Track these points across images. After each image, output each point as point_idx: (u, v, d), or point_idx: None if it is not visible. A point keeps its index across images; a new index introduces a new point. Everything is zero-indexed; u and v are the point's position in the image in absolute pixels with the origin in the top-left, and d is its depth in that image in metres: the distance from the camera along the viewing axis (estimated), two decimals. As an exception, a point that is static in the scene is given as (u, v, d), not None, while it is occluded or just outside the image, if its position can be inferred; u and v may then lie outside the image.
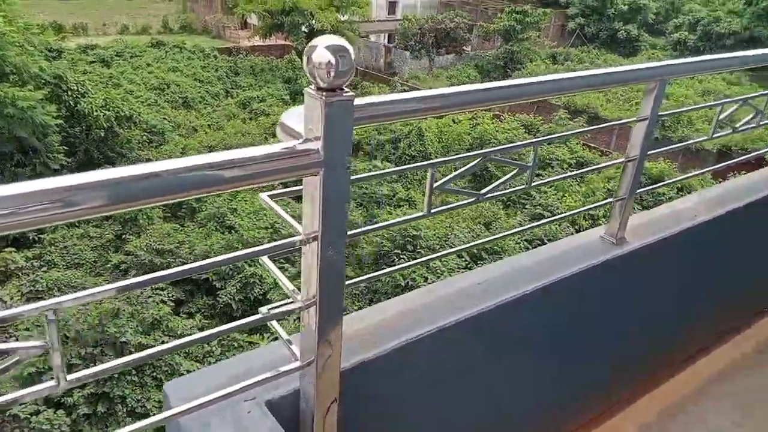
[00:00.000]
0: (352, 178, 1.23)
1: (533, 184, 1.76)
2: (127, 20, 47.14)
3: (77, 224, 17.61)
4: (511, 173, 1.71)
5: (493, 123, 25.66)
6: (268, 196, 1.36)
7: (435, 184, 1.51)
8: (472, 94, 1.46)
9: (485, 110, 26.36)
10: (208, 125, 25.79)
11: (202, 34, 46.51)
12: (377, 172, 1.58)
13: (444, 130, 24.69)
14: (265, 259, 1.35)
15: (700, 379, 2.83)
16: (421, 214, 1.54)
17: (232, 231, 15.74)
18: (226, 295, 13.65)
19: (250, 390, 1.30)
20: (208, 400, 1.22)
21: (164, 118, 24.48)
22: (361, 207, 19.74)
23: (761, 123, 2.48)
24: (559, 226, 17.47)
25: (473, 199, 1.66)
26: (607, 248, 2.20)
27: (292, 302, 1.31)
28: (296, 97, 28.36)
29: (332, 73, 1.09)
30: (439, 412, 1.92)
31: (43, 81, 17.53)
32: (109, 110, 18.86)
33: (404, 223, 1.71)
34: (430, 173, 1.51)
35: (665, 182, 2.95)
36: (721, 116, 2.31)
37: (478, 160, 1.61)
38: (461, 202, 1.73)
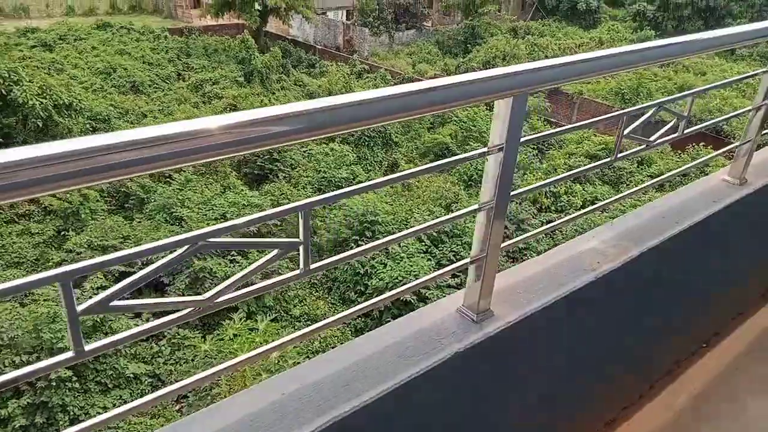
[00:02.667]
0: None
1: (686, 131, 2.06)
2: (73, 1, 44.79)
3: (17, 220, 16.62)
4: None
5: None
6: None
7: (625, 131, 1.82)
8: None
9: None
10: (159, 110, 24.66)
11: (153, 14, 44.56)
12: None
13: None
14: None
15: None
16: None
17: (182, 223, 15.01)
18: (174, 292, 12.99)
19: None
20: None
21: (111, 105, 23.29)
22: (320, 192, 19.14)
23: (685, 132, 2.14)
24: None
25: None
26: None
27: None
28: (251, 79, 27.34)
29: None
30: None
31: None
32: (45, 98, 17.71)
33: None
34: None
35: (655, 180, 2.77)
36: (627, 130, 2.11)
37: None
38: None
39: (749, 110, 2.37)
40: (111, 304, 1.08)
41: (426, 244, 15.33)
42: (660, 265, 2.22)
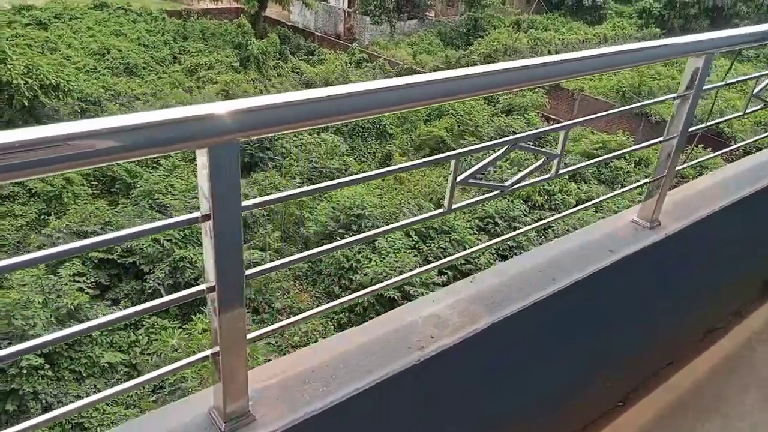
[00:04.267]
0: None
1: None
2: (72, -21, 44.15)
3: (0, 202, 16.36)
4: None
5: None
6: None
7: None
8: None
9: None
10: (152, 94, 24.30)
11: (153, -5, 44.03)
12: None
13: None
14: None
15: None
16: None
17: (165, 210, 14.74)
18: (154, 280, 12.75)
19: None
20: None
21: (102, 86, 22.94)
22: (310, 182, 18.85)
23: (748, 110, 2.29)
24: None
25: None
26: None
27: None
28: (246, 64, 26.95)
29: None
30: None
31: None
32: (31, 78, 17.37)
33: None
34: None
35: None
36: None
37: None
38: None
39: (659, 142, 2.01)
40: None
41: (414, 240, 15.08)
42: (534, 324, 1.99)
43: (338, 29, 37.33)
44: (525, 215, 16.94)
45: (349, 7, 38.49)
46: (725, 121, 2.42)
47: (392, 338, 1.52)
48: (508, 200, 17.30)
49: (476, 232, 15.99)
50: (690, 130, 1.96)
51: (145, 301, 13.46)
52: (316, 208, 16.71)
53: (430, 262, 14.76)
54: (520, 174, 1.57)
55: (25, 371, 10.52)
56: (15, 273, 11.73)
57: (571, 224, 14.93)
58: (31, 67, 17.61)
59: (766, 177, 2.45)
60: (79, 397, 10.93)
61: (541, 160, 1.60)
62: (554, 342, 1.96)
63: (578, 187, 18.68)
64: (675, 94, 1.83)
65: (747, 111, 2.23)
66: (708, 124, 2.29)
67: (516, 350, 1.82)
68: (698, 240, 2.27)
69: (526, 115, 23.40)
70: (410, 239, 15.07)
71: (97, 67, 25.32)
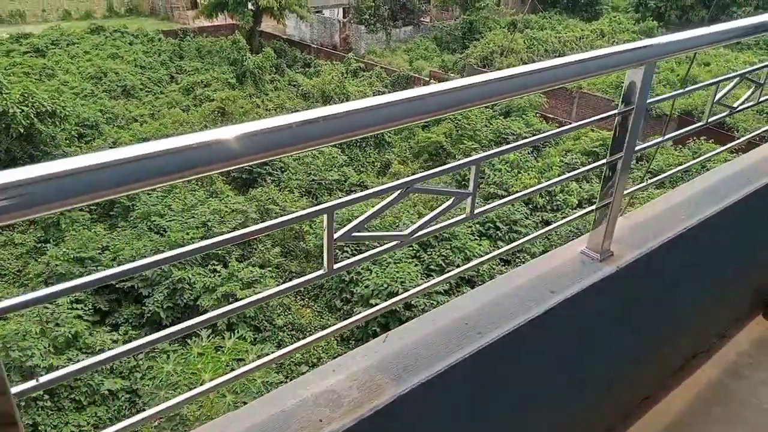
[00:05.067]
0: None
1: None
2: (69, 5, 44.63)
3: (0, 230, 16.36)
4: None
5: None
6: None
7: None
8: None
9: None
10: (150, 114, 24.35)
11: (150, 17, 44.35)
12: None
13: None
14: None
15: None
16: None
17: (163, 232, 14.66)
18: (153, 303, 12.64)
19: None
20: None
21: (99, 110, 22.99)
22: (309, 195, 18.75)
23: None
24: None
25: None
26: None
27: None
28: (243, 80, 26.95)
29: None
30: None
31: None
32: (27, 106, 17.41)
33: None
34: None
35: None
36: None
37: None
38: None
39: (600, 165, 1.80)
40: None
41: (414, 249, 14.88)
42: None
43: (334, 40, 37.35)
44: (526, 218, 16.71)
45: (344, 17, 38.55)
46: (685, 133, 2.16)
47: (270, 426, 1.27)
48: (510, 204, 17.06)
49: (477, 237, 15.77)
50: (637, 149, 1.76)
51: (148, 324, 13.16)
52: (314, 221, 16.57)
53: (432, 270, 14.56)
54: (422, 220, 1.35)
55: (23, 402, 10.42)
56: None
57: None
58: (26, 95, 17.65)
59: (732, 193, 2.23)
60: (80, 427, 10.80)
61: (450, 200, 1.41)
62: (485, 408, 1.68)
63: (580, 187, 18.41)
64: (615, 111, 1.63)
65: (710, 120, 2.01)
66: (654, 142, 2.06)
67: (432, 422, 1.56)
68: (658, 268, 2.03)
69: (524, 116, 23.17)
70: (411, 248, 14.87)
71: (94, 90, 25.41)
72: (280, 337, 13.13)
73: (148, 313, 12.61)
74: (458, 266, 14.77)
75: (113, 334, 12.13)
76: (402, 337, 1.54)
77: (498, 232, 16.19)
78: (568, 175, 1.85)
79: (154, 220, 14.71)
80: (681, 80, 26.85)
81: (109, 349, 11.30)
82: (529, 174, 18.56)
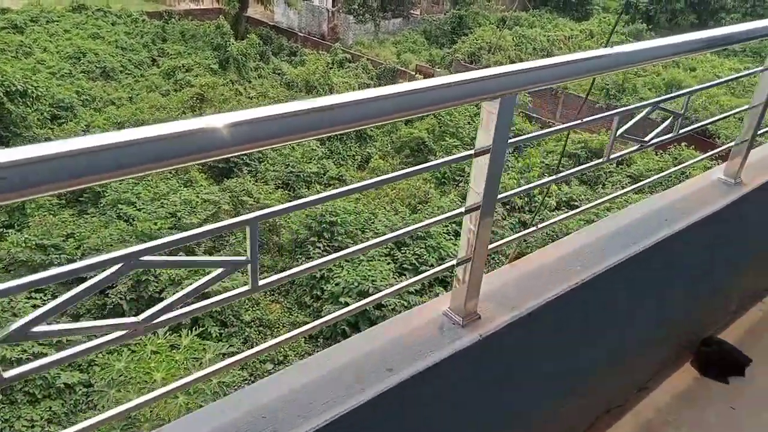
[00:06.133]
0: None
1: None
2: (53, -19, 43.47)
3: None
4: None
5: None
6: None
7: (619, 131, 1.71)
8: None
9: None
10: (128, 98, 23.81)
11: (136, -3, 43.42)
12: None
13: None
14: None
15: None
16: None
17: (131, 221, 14.30)
18: (116, 295, 12.33)
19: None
20: None
21: (76, 91, 22.43)
22: (286, 187, 18.46)
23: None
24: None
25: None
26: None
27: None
28: (226, 66, 26.47)
29: None
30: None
31: None
32: (-3, 85, 16.90)
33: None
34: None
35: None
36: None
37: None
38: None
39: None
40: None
41: (388, 247, 14.68)
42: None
43: (322, 29, 36.83)
44: (504, 218, 16.57)
45: (333, 7, 38.02)
46: (580, 171, 1.96)
47: None
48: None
49: (453, 237, 15.61)
50: (500, 197, 1.51)
51: (110, 317, 12.99)
52: (289, 214, 16.32)
53: (406, 269, 14.38)
54: (165, 302, 1.12)
55: (-27, 395, 10.11)
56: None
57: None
58: (-5, 73, 17.13)
59: (641, 239, 2.00)
60: (32, 422, 10.50)
61: (218, 271, 1.18)
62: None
63: (559, 189, 18.29)
64: (471, 151, 1.42)
65: (611, 156, 1.76)
66: (523, 188, 1.80)
67: None
68: (539, 329, 1.80)
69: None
70: (385, 246, 14.67)
71: (72, 71, 24.80)
72: (247, 333, 12.90)
73: (110, 305, 12.30)
74: (429, 267, 14.39)
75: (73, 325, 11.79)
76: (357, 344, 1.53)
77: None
78: (428, 221, 1.50)
79: (122, 208, 14.35)
80: (667, 84, 26.86)
81: (67, 342, 10.97)
82: (508, 174, 18.40)
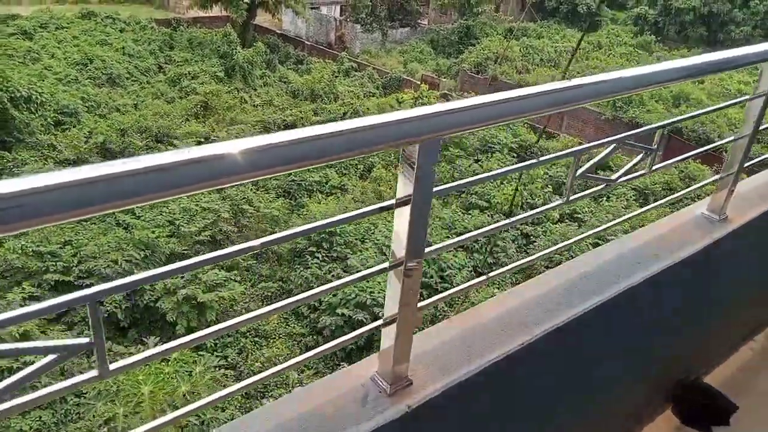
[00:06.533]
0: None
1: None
2: (64, -12, 43.94)
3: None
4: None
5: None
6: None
7: (578, 171, 1.53)
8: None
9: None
10: (134, 105, 23.88)
11: (145, 4, 43.75)
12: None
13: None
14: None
15: None
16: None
17: (129, 229, 14.24)
18: (111, 303, 12.23)
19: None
20: None
21: (81, 98, 22.51)
22: (288, 196, 18.38)
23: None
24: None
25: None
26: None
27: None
28: (231, 74, 26.51)
29: None
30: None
31: None
32: (1, 90, 16.94)
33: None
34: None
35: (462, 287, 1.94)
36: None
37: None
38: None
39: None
40: None
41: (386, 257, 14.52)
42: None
43: (329, 38, 36.92)
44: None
45: (340, 16, 38.11)
46: (534, 215, 1.83)
47: None
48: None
49: (456, 250, 15.43)
50: (428, 250, 1.36)
51: (105, 326, 13.05)
52: (288, 222, 16.21)
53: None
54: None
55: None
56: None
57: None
58: (0, 78, 17.20)
59: (608, 287, 1.83)
60: (7, 428, 10.38)
61: (47, 359, 1.01)
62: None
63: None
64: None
65: (570, 198, 1.59)
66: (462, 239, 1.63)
67: None
68: (474, 401, 1.59)
69: (512, 126, 22.83)
70: (384, 256, 14.51)
71: (78, 77, 24.91)
72: (242, 344, 12.75)
73: (105, 314, 12.19)
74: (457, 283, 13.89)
75: (67, 334, 11.70)
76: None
77: (475, 244, 15.88)
78: (346, 280, 1.35)
79: (120, 216, 14.30)
80: (674, 97, 26.58)
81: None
82: (511, 186, 18.21)
